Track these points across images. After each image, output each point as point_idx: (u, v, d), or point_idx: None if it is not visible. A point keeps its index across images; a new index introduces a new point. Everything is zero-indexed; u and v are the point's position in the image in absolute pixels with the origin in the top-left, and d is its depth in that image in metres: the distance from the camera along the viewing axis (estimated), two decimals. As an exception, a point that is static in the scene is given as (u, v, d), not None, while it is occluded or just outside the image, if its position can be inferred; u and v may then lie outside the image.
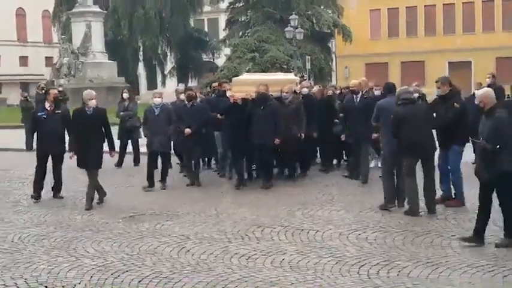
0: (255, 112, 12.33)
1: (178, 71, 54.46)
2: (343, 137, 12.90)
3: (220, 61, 50.49)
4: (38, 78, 60.80)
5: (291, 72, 41.54)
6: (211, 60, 55.79)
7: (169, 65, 55.41)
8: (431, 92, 13.16)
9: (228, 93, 13.17)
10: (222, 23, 55.67)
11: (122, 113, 16.11)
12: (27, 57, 65.12)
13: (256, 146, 12.41)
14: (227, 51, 48.97)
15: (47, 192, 11.89)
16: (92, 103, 11.17)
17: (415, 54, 51.26)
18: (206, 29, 60.80)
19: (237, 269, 7.32)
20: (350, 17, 49.65)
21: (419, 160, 9.80)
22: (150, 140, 12.75)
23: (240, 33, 48.05)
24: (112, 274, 7.26)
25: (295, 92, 13.27)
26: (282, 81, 13.84)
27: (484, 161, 7.89)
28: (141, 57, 52.58)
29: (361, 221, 9.54)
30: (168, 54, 54.80)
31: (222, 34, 53.44)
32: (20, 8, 65.12)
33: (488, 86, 14.48)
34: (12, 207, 11.14)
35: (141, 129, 14.70)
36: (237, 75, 37.43)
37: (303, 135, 12.96)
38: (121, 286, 6.86)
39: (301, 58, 41.92)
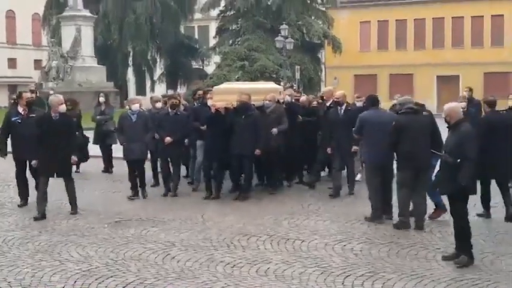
0: (236, 121, 11.96)
1: (168, 77, 54.43)
2: (329, 150, 12.42)
3: (210, 69, 50.48)
4: (26, 81, 60.52)
5: (280, 81, 41.81)
6: (201, 67, 55.75)
7: (159, 71, 55.36)
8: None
9: (209, 102, 12.55)
10: (212, 31, 55.73)
11: (98, 117, 16.01)
12: (15, 59, 64.75)
13: (236, 156, 12.04)
14: (217, 59, 48.99)
15: (31, 196, 11.81)
16: (62, 108, 10.72)
17: (404, 67, 51.46)
18: (196, 36, 60.80)
19: (222, 277, 7.31)
20: (340, 29, 49.81)
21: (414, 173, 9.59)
22: (128, 147, 12.29)
23: (230, 42, 48.10)
24: (96, 279, 7.23)
25: (278, 101, 12.99)
26: (264, 90, 13.50)
27: (445, 175, 7.93)
28: (130, 63, 52.47)
29: (347, 231, 9.56)
30: (158, 60, 54.76)
31: (212, 42, 53.48)
32: (10, 10, 64.79)
33: (468, 100, 14.55)
34: (-3, 210, 11.07)
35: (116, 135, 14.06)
36: (227, 83, 37.67)
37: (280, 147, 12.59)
38: (105, 291, 6.83)
39: (290, 68, 42.00)
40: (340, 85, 51.37)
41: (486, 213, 10.41)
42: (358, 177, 13.93)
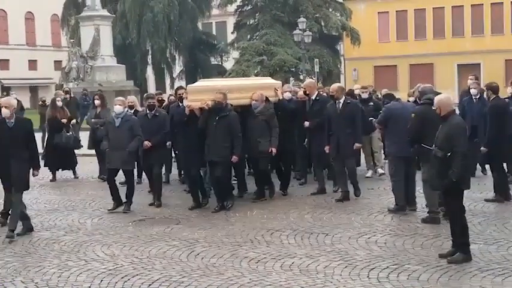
0: (208, 124, 10.73)
1: (187, 74, 54.47)
2: (327, 149, 11.29)
3: (229, 64, 50.47)
4: (47, 82, 61.16)
5: (299, 75, 41.73)
6: (220, 63, 55.78)
7: (178, 68, 55.46)
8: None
9: (185, 103, 11.22)
10: (230, 26, 55.73)
11: (92, 120, 14.41)
12: (36, 61, 65.32)
13: (211, 163, 10.88)
14: (235, 54, 48.98)
15: (57, 196, 11.92)
16: (4, 112, 9.18)
17: (424, 57, 51.10)
18: (214, 32, 60.82)
19: (247, 273, 7.32)
20: (358, 20, 49.56)
21: None
22: (109, 155, 11.17)
23: (248, 37, 48.05)
24: (122, 278, 7.29)
25: (267, 99, 11.41)
26: (257, 87, 11.87)
27: (436, 170, 7.65)
28: (149, 61, 52.59)
29: (371, 224, 9.53)
30: (177, 57, 54.84)
31: (230, 37, 53.49)
32: (29, 12, 65.33)
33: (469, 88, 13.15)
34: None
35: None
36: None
37: (274, 150, 11.24)
38: (131, 290, 6.89)
39: (309, 61, 41.91)
40: (359, 77, 51.27)
41: (505, 196, 10.63)
42: (369, 173, 13.81)
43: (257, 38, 46.11)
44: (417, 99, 11.51)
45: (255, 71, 42.53)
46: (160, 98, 13.03)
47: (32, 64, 65.18)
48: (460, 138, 7.51)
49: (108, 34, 41.10)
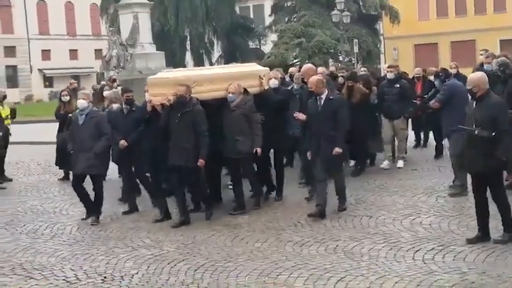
0: (170, 122, 9.30)
1: (226, 59, 54.53)
2: (308, 155, 9.49)
3: (267, 48, 50.37)
4: (88, 71, 61.89)
5: (338, 56, 41.41)
6: (258, 47, 55.71)
7: (216, 53, 55.60)
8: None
9: (147, 97, 9.77)
10: (267, 9, 55.52)
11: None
12: (76, 50, 66.08)
13: (173, 168, 9.28)
14: (273, 37, 48.84)
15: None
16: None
17: (465, 33, 50.23)
18: (252, 16, 60.74)
19: (291, 257, 7.35)
20: (397, -2, 48.96)
21: None
22: (74, 158, 9.84)
23: (286, 19, 47.84)
24: (168, 263, 7.39)
25: (245, 91, 9.78)
26: (228, 77, 9.98)
27: (480, 150, 7.25)
28: (188, 47, 52.82)
29: (415, 205, 9.46)
30: (215, 42, 54.93)
31: (268, 20, 53.33)
32: (69, 2, 66.02)
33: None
34: (69, 200, 11.35)
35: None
36: (285, 62, 37.53)
37: (259, 151, 9.63)
38: (177, 275, 6.98)
39: (348, 42, 41.55)
40: (400, 56, 50.70)
41: None
42: (386, 164, 12.38)
43: (295, 20, 45.84)
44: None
45: (294, 54, 42.35)
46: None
47: (73, 54, 65.95)
48: (505, 117, 7.35)
49: (147, 21, 41.36)
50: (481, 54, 12.60)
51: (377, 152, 12.70)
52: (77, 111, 9.98)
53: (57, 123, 13.70)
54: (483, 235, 7.47)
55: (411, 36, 51.62)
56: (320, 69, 12.76)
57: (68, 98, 13.17)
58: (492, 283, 6.20)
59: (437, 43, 51.74)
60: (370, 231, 8.22)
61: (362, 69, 15.70)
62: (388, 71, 12.52)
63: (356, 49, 41.30)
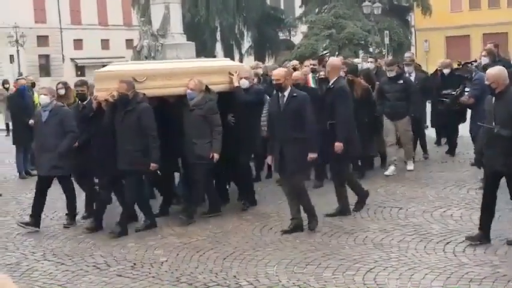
0: (115, 121, 8.52)
1: (256, 50, 54.55)
2: (269, 160, 8.62)
3: (297, 39, 50.28)
4: (119, 61, 62.25)
5: (368, 47, 41.14)
6: (288, 38, 55.59)
7: (247, 44, 55.60)
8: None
9: (94, 93, 8.95)
10: (298, 0, 55.41)
11: None
12: (108, 40, 66.56)
13: (121, 172, 8.57)
14: (304, 28, 48.70)
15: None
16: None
17: (498, 26, 49.59)
18: (282, 7, 60.63)
19: (321, 247, 7.34)
20: (429, -11, 48.49)
21: None
22: (38, 159, 9.19)
23: (317, 10, 47.68)
24: (197, 252, 7.43)
25: (207, 89, 8.88)
26: (190, 72, 9.10)
27: (500, 149, 6.88)
28: (218, 37, 52.90)
29: (445, 197, 9.39)
30: (245, 33, 54.92)
31: (298, 11, 53.20)
32: (100, -8, 66.65)
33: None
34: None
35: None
36: (315, 53, 37.39)
37: (216, 156, 8.72)
38: (206, 263, 7.02)
39: (379, 33, 41.27)
40: (431, 48, 50.20)
41: None
42: (391, 169, 11.27)
43: (325, 11, 45.66)
44: None
45: (324, 45, 42.19)
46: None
47: (105, 43, 66.43)
48: None
49: (178, 12, 41.40)
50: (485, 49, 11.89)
51: (373, 155, 11.81)
52: (39, 107, 9.35)
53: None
54: (484, 234, 7.19)
55: (443, 28, 51.14)
56: (306, 62, 12.40)
57: (63, 91, 11.25)
58: (524, 276, 6.12)
59: (469, 35, 51.20)
60: (400, 223, 8.17)
61: (369, 60, 14.64)
62: (388, 70, 11.39)
63: (387, 41, 41.02)
